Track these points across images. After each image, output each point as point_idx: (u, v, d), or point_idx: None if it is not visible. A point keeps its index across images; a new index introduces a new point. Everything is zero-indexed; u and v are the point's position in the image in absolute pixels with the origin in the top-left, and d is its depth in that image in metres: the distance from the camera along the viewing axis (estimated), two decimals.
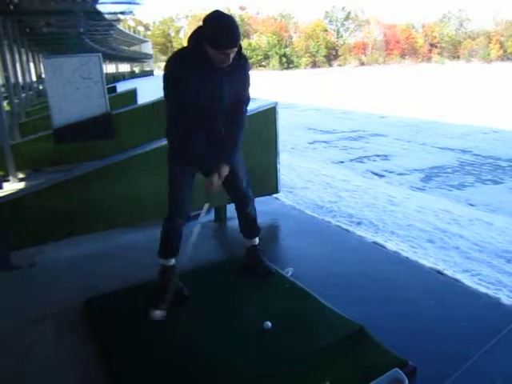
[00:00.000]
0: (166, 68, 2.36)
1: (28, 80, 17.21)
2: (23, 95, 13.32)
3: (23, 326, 2.54)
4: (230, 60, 2.27)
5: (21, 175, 6.50)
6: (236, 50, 2.27)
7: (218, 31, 2.19)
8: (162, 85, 2.39)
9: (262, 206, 4.22)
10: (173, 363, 2.11)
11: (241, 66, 2.43)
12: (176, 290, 2.62)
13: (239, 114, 2.55)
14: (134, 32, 61.65)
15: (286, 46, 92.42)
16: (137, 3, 13.88)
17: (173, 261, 2.72)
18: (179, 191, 2.63)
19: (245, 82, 2.51)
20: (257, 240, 2.95)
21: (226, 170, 2.53)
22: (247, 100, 2.58)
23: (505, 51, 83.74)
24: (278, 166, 4.19)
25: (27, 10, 11.30)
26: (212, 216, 4.13)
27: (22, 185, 5.99)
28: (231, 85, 2.40)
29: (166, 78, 2.36)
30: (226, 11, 2.43)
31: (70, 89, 6.28)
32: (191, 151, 2.45)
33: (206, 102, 2.36)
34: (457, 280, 3.01)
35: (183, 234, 2.73)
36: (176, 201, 2.65)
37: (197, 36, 2.29)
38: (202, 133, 2.43)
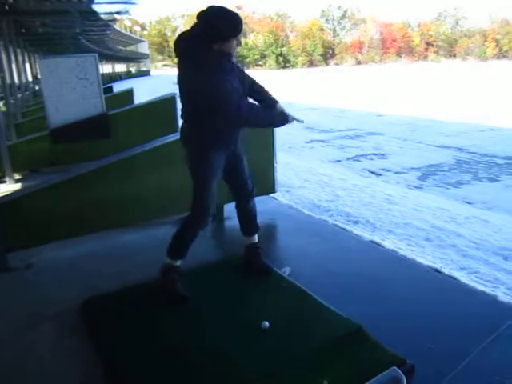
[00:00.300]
0: (206, 85, 2.35)
1: (24, 80, 17.15)
2: (19, 96, 13.27)
3: (22, 327, 2.54)
4: (240, 43, 2.47)
5: (17, 176, 6.48)
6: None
7: (231, 20, 2.35)
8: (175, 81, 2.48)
9: (259, 205, 4.21)
10: (172, 363, 2.11)
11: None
12: (179, 290, 2.62)
13: (253, 80, 2.72)
14: (131, 32, 61.59)
15: (283, 46, 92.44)
16: (133, 3, 13.82)
17: (179, 262, 2.71)
18: (211, 185, 2.59)
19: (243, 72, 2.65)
20: (256, 238, 2.96)
21: (281, 106, 2.70)
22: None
23: (500, 49, 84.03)
24: (275, 165, 4.19)
25: (22, 11, 11.24)
26: None
27: (18, 186, 5.97)
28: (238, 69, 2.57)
29: (211, 90, 2.34)
30: None
31: (66, 89, 6.26)
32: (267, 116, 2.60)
33: (237, 86, 2.46)
34: (454, 278, 3.02)
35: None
36: (208, 197, 2.60)
37: (200, 41, 2.34)
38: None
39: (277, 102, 2.73)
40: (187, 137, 2.61)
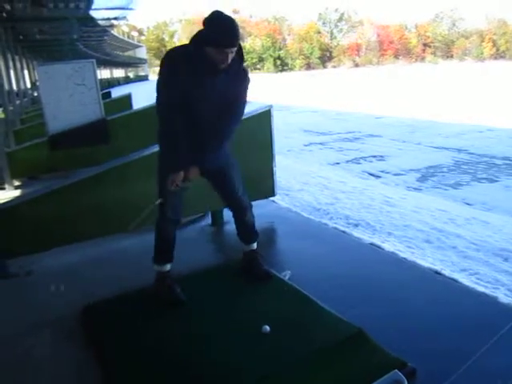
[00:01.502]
0: (161, 64, 2.36)
1: (22, 87, 17.18)
2: (18, 102, 13.29)
3: (21, 333, 2.53)
4: (229, 60, 2.29)
5: (16, 183, 6.48)
6: (235, 49, 2.28)
7: (217, 30, 2.23)
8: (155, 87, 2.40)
9: (259, 209, 4.21)
10: (172, 368, 2.10)
11: (240, 78, 2.45)
12: (173, 295, 2.62)
13: (228, 115, 2.48)
14: (128, 37, 61.71)
15: (280, 49, 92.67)
16: (130, 9, 13.87)
17: (168, 266, 2.71)
18: (172, 194, 2.57)
19: (241, 95, 2.50)
20: (255, 245, 2.95)
21: (194, 172, 2.49)
22: (240, 113, 2.55)
23: (497, 49, 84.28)
24: (274, 168, 4.19)
25: (20, 17, 11.27)
26: (209, 220, 4.13)
27: (17, 192, 5.97)
28: (225, 89, 2.39)
29: (161, 70, 2.36)
30: None
31: (64, 95, 6.26)
32: (173, 153, 2.44)
33: (193, 102, 2.37)
34: (454, 280, 3.02)
35: (176, 240, 2.72)
36: (170, 204, 2.61)
37: (197, 37, 2.32)
38: (187, 136, 2.41)
39: (200, 163, 2.49)
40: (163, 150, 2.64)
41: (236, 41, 2.27)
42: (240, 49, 2.38)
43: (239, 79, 2.45)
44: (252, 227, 2.91)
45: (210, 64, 2.29)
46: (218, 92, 2.38)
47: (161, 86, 2.39)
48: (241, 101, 2.51)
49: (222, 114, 2.44)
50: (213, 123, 2.44)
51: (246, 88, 2.50)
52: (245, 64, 2.49)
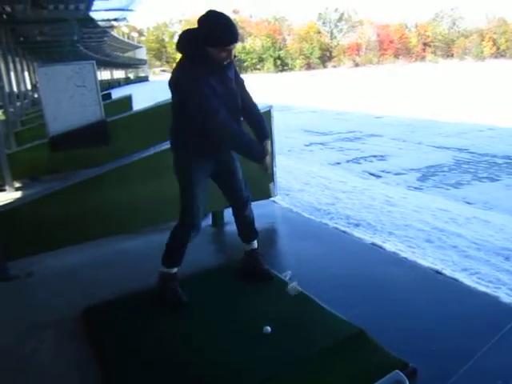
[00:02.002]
0: (185, 84, 2.34)
1: (23, 89, 17.20)
2: (18, 104, 13.31)
3: (22, 335, 2.54)
4: (232, 57, 2.37)
5: (17, 184, 6.48)
6: (236, 45, 2.35)
7: (220, 29, 2.27)
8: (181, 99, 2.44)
9: (259, 209, 4.22)
10: (173, 369, 2.10)
11: (233, 67, 2.55)
12: (175, 296, 2.62)
13: (253, 104, 2.69)
14: (128, 38, 61.72)
15: (280, 49, 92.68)
16: (130, 10, 13.89)
17: (175, 269, 2.70)
18: (195, 195, 2.56)
19: (240, 77, 2.62)
20: (255, 243, 2.95)
21: (269, 145, 2.67)
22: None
23: (498, 48, 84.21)
24: (274, 169, 4.19)
25: (20, 19, 11.29)
26: (209, 221, 4.13)
27: (18, 194, 5.97)
28: (235, 80, 2.53)
29: (188, 90, 2.33)
30: None
31: (65, 97, 6.27)
32: (250, 145, 2.52)
33: (225, 98, 2.42)
34: (455, 279, 3.01)
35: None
36: (193, 207, 2.58)
37: (195, 41, 2.33)
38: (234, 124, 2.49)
39: (267, 136, 2.69)
40: (172, 145, 2.64)
41: (238, 36, 2.33)
42: None
43: (234, 68, 2.56)
44: (251, 224, 2.91)
45: (216, 64, 2.36)
46: (234, 83, 2.50)
47: (199, 101, 2.34)
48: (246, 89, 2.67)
49: (245, 102, 2.61)
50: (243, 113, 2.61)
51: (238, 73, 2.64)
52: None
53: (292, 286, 2.68)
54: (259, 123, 2.69)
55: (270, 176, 4.12)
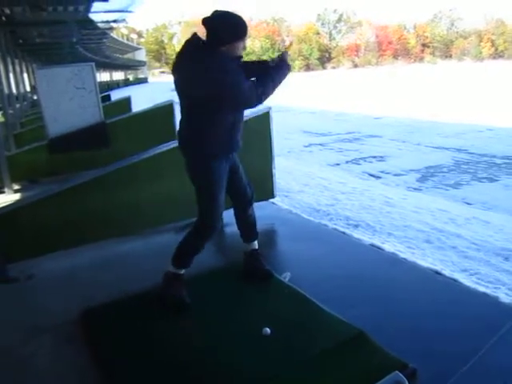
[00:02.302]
0: (221, 70, 2.34)
1: (22, 90, 17.19)
2: (17, 106, 13.31)
3: (22, 337, 2.53)
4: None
5: (16, 187, 6.48)
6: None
7: (236, 23, 2.42)
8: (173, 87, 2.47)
9: (258, 210, 4.20)
10: (173, 371, 2.10)
11: None
12: (179, 297, 2.61)
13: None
14: (128, 40, 61.75)
15: (279, 50, 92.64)
16: (129, 11, 13.87)
17: (183, 270, 2.70)
18: (218, 196, 2.55)
19: None
20: (256, 244, 2.95)
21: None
22: None
23: (496, 49, 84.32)
24: (273, 170, 4.20)
25: (19, 21, 11.29)
26: None
27: (17, 196, 5.97)
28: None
29: (226, 77, 2.35)
30: None
31: (64, 99, 6.27)
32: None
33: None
34: (455, 280, 3.02)
35: (177, 242, 2.71)
36: (215, 210, 2.57)
37: (213, 43, 2.38)
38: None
39: (267, 61, 2.69)
40: (188, 146, 2.57)
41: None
42: None
43: None
44: (253, 223, 2.91)
45: (233, 59, 2.42)
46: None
47: (237, 83, 2.38)
48: None
49: None
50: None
51: None
52: None
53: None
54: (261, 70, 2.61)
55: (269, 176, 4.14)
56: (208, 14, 2.43)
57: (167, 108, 7.26)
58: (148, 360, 2.18)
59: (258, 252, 2.95)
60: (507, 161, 8.04)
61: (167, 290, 2.65)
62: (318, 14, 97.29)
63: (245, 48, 2.49)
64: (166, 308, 2.60)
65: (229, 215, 3.01)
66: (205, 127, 2.47)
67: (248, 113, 3.90)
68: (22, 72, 18.24)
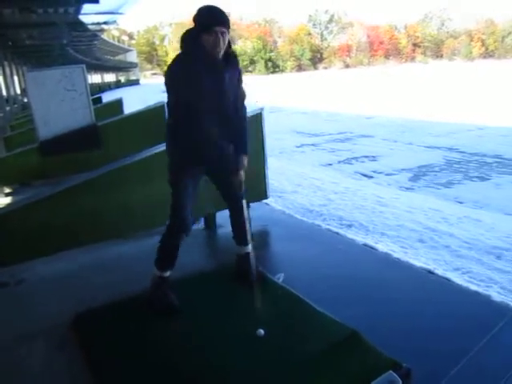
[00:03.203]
0: (168, 70, 2.43)
1: (12, 93, 17.07)
2: (8, 109, 13.21)
3: (12, 343, 2.50)
4: (224, 42, 2.40)
5: (7, 190, 6.43)
6: (225, 30, 2.38)
7: (205, 13, 2.39)
8: (164, 89, 2.45)
9: (252, 211, 4.18)
10: (166, 375, 2.09)
11: (235, 63, 2.57)
12: (167, 300, 2.60)
13: (241, 110, 2.65)
14: (119, 41, 61.58)
15: (271, 51, 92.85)
16: (120, 13, 13.86)
17: (168, 272, 2.69)
18: (185, 203, 2.56)
19: (239, 78, 2.62)
20: (250, 247, 2.94)
21: (245, 161, 2.63)
22: (244, 96, 2.67)
23: (486, 49, 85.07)
24: (266, 171, 4.19)
25: (8, 23, 11.21)
26: (202, 224, 4.12)
27: (8, 200, 5.92)
28: (229, 80, 2.50)
29: (169, 77, 2.41)
30: None
31: (55, 101, 6.22)
32: (197, 140, 2.45)
33: (207, 98, 2.41)
34: (448, 279, 3.03)
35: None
36: (180, 211, 2.58)
37: (191, 35, 2.42)
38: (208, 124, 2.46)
39: (245, 152, 2.64)
40: (166, 147, 2.64)
41: (225, 19, 2.40)
42: (230, 44, 2.50)
43: (235, 64, 2.58)
44: (248, 227, 2.88)
45: (208, 57, 2.38)
46: (225, 83, 2.47)
47: (173, 86, 2.42)
48: (242, 90, 2.65)
49: (234, 106, 2.57)
50: (229, 117, 2.54)
51: (241, 72, 2.65)
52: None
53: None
54: (239, 133, 2.63)
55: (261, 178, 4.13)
56: None
57: (159, 110, 7.21)
58: (141, 363, 2.17)
59: (250, 254, 2.94)
60: (498, 160, 8.11)
61: (155, 293, 2.65)
62: (310, 15, 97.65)
63: (217, 43, 2.36)
64: (155, 311, 2.58)
65: (222, 217, 3.00)
66: (171, 129, 2.54)
67: None
68: (12, 75, 18.11)
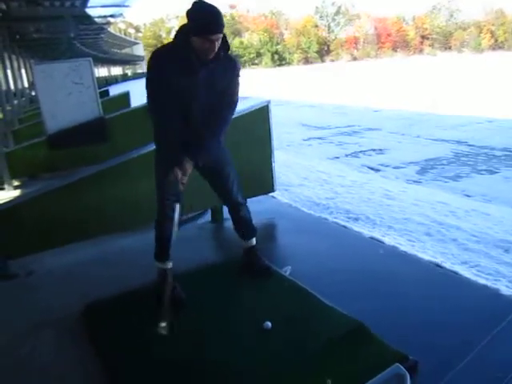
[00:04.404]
0: (148, 65, 2.35)
1: (20, 87, 17.15)
2: (15, 102, 13.27)
3: (22, 334, 2.53)
4: (215, 49, 2.26)
5: (16, 183, 6.48)
6: (220, 36, 2.25)
7: (201, 17, 2.20)
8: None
9: (258, 204, 4.21)
10: (174, 367, 2.10)
11: (229, 67, 2.42)
12: (173, 293, 2.61)
13: (221, 116, 2.49)
14: (125, 34, 61.49)
15: (278, 43, 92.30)
16: (126, 6, 13.83)
17: (170, 264, 2.71)
18: (164, 189, 2.59)
19: (231, 85, 2.46)
20: (254, 241, 2.94)
21: (204, 158, 2.48)
22: (233, 103, 2.52)
23: (496, 40, 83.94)
24: (273, 164, 4.18)
25: (16, 17, 11.23)
26: (209, 217, 4.13)
27: (17, 192, 5.96)
28: (213, 85, 2.38)
29: (147, 77, 2.36)
30: None
31: (62, 94, 6.25)
32: (169, 140, 2.42)
33: (185, 100, 2.36)
34: (455, 272, 3.02)
35: (176, 237, 2.71)
36: (161, 195, 2.62)
37: (182, 31, 2.32)
38: (181, 133, 2.40)
39: (195, 159, 2.46)
40: None
41: (221, 27, 2.24)
42: (225, 38, 2.34)
43: (229, 69, 2.42)
44: (248, 223, 2.90)
45: (197, 58, 2.28)
46: (209, 86, 2.36)
47: (150, 86, 2.36)
48: (234, 92, 2.49)
49: (215, 108, 2.44)
50: (207, 117, 2.43)
51: (236, 78, 2.47)
52: (232, 54, 2.50)
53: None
54: (204, 136, 2.45)
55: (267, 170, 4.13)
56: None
57: None
58: (148, 355, 2.19)
59: (257, 248, 2.95)
60: (507, 153, 8.03)
61: (160, 286, 2.65)
62: (317, 7, 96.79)
63: (211, 49, 2.23)
64: (161, 304, 2.60)
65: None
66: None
67: (246, 106, 3.90)
68: (19, 68, 18.18)
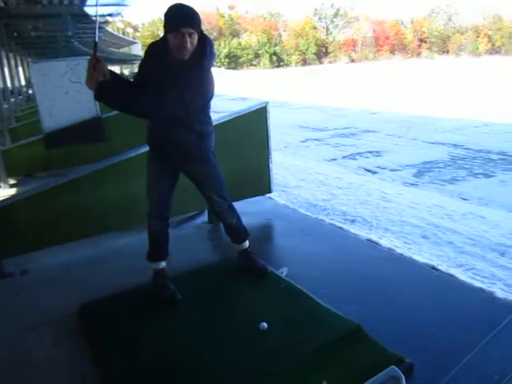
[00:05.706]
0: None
1: (17, 84, 17.08)
2: (12, 100, 13.22)
3: (18, 334, 2.52)
4: (187, 45, 2.24)
5: (12, 181, 6.45)
6: (192, 32, 2.23)
7: (171, 13, 2.26)
8: None
9: (255, 205, 4.22)
10: (170, 367, 2.10)
11: (198, 69, 2.32)
12: (167, 293, 2.61)
13: (195, 110, 2.42)
14: (123, 34, 61.28)
15: (276, 45, 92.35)
16: (125, 5, 13.78)
17: (163, 264, 2.70)
18: (153, 190, 2.62)
19: (203, 80, 2.36)
20: (246, 244, 2.93)
21: (179, 157, 2.54)
22: (207, 98, 2.43)
23: (493, 45, 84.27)
24: (270, 165, 4.18)
25: (13, 14, 11.18)
26: (205, 217, 4.12)
27: (13, 191, 5.93)
28: (185, 84, 2.29)
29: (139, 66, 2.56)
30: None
31: (60, 93, 6.22)
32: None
33: (161, 87, 2.31)
34: (451, 275, 3.03)
35: (173, 237, 2.71)
36: (152, 200, 2.64)
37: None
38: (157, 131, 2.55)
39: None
40: None
41: (193, 18, 2.24)
42: (205, 44, 2.32)
43: (196, 71, 2.32)
44: (237, 228, 2.87)
45: (172, 56, 2.31)
46: (180, 85, 2.28)
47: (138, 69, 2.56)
48: (207, 87, 2.40)
49: (189, 103, 2.35)
50: (183, 111, 2.35)
51: (206, 73, 2.37)
52: (214, 62, 2.53)
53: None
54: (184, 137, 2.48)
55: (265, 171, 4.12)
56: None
57: None
58: (144, 355, 2.18)
59: (250, 250, 2.94)
60: (503, 157, 8.07)
61: (155, 286, 2.67)
62: (315, 9, 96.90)
63: (182, 45, 2.22)
64: (158, 304, 2.60)
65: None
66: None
67: (244, 107, 3.90)
68: (16, 66, 18.12)
